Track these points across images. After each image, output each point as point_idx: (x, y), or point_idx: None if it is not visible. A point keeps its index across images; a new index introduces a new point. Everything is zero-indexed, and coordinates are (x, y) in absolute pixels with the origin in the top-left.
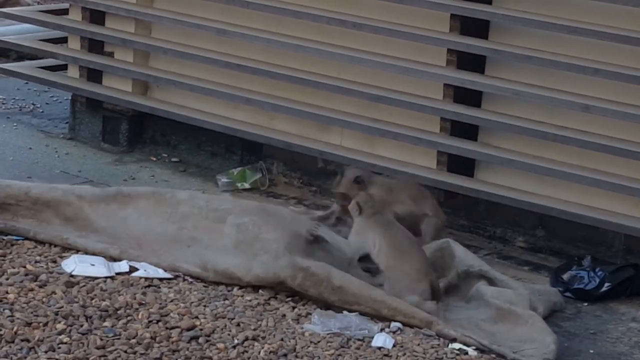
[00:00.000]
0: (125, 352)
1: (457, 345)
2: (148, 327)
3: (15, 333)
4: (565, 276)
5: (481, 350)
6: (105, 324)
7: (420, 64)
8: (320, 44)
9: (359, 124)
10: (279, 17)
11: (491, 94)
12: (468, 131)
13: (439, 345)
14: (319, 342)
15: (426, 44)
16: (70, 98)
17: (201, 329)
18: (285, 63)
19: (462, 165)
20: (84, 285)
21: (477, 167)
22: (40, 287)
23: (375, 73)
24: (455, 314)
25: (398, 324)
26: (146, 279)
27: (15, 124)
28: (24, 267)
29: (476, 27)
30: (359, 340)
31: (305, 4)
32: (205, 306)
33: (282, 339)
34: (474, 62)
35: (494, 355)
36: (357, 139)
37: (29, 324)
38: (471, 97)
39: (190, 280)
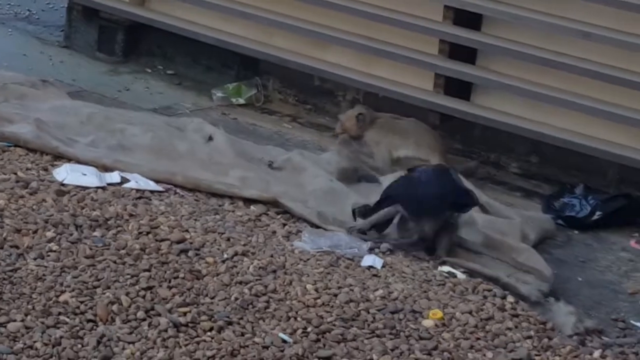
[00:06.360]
0: (115, 262)
1: (446, 268)
2: (138, 239)
3: (5, 239)
4: (557, 203)
5: (470, 274)
6: (95, 233)
7: None
8: None
9: (356, 42)
10: None
11: (491, 17)
12: (466, 54)
13: (428, 267)
14: (308, 259)
15: None
16: (66, 5)
17: (191, 242)
18: None
19: (459, 88)
20: (75, 195)
21: (474, 91)
22: (31, 194)
23: None
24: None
25: (388, 244)
26: (137, 190)
27: (10, 30)
28: (15, 173)
29: None
30: (348, 259)
31: None
32: (195, 220)
33: (271, 255)
34: None
35: (482, 280)
36: (353, 57)
37: (18, 231)
38: (471, 20)
39: (181, 193)
